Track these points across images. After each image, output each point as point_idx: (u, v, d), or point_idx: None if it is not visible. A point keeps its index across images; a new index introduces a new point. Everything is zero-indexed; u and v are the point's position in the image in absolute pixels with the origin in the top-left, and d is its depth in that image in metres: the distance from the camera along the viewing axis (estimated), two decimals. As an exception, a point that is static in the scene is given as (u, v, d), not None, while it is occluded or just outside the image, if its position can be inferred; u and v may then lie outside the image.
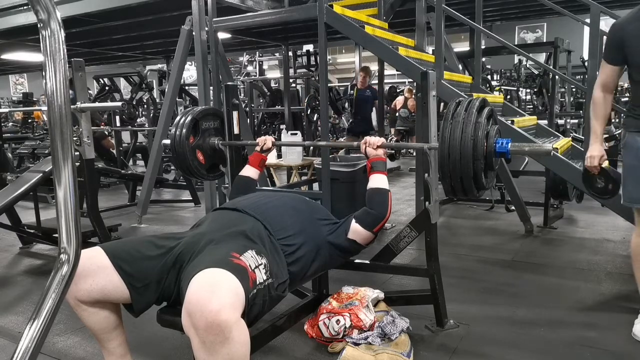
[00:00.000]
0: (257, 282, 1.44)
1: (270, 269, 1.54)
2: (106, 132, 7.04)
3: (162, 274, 1.55)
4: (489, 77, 8.83)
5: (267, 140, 2.37)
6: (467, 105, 1.81)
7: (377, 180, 2.05)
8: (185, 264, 1.53)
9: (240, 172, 2.38)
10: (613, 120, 7.46)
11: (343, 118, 10.25)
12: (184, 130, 2.32)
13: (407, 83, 11.30)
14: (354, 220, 1.99)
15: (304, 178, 4.93)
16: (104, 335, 1.60)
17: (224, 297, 1.26)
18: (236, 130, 2.53)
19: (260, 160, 2.38)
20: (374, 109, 6.34)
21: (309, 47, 8.57)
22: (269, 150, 2.39)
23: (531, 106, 9.23)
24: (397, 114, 9.37)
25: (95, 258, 1.51)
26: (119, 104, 3.19)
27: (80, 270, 1.43)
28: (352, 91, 7.02)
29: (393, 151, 7.91)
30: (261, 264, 1.51)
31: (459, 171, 1.75)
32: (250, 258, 1.49)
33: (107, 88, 7.49)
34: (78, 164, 2.94)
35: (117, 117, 6.96)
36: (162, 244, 1.61)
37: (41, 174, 3.18)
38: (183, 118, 2.36)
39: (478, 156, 1.73)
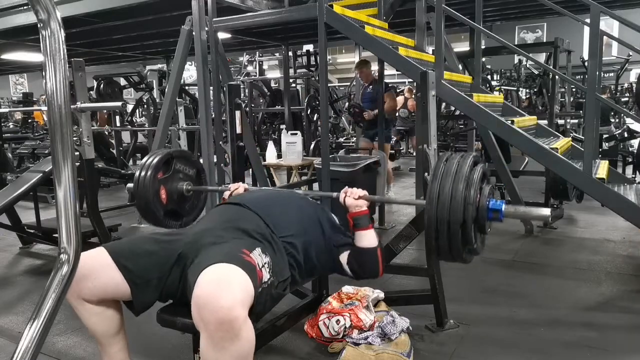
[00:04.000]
0: (263, 281, 1.46)
1: (272, 268, 1.55)
2: (106, 132, 7.06)
3: (164, 271, 1.55)
4: (489, 77, 8.83)
5: (239, 186, 2.11)
6: (462, 154, 1.67)
7: (364, 238, 1.82)
8: (189, 260, 1.53)
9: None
10: (613, 121, 7.46)
11: (343, 118, 10.26)
12: (151, 170, 2.06)
13: (407, 83, 11.29)
14: (345, 259, 1.83)
15: (304, 178, 4.93)
16: (106, 338, 1.60)
17: (236, 293, 1.27)
18: (238, 130, 2.53)
19: None
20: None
21: (309, 47, 8.56)
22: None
23: (526, 104, 9.20)
24: (396, 114, 9.36)
25: (98, 257, 1.52)
26: (119, 104, 3.18)
27: (84, 270, 1.45)
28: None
29: (393, 151, 7.91)
30: (266, 262, 1.53)
31: (447, 216, 1.54)
32: (258, 256, 1.50)
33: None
34: (78, 164, 2.94)
35: (117, 117, 6.98)
36: (164, 239, 1.63)
37: (41, 174, 3.18)
38: (154, 157, 2.14)
39: (470, 200, 1.54)
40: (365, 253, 1.82)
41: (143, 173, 2.06)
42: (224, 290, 1.27)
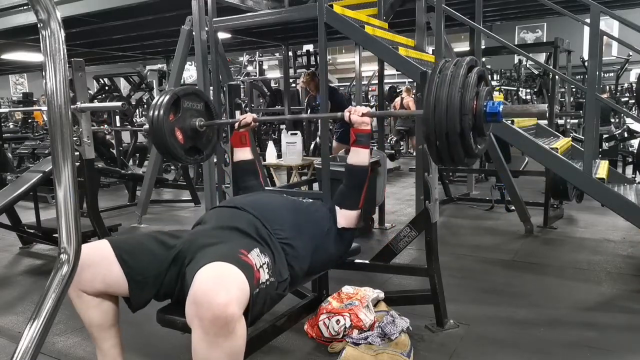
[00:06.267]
0: (261, 282, 1.46)
1: (272, 268, 1.55)
2: (105, 132, 7.06)
3: (161, 269, 1.56)
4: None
5: (247, 116, 2.27)
6: (456, 62, 1.67)
7: (359, 155, 1.98)
8: (187, 259, 1.53)
9: (234, 159, 2.33)
10: (613, 120, 7.45)
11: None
12: (162, 109, 2.11)
13: (407, 83, 11.30)
14: (338, 208, 1.99)
15: (304, 178, 4.93)
16: (100, 332, 1.59)
17: (232, 291, 1.28)
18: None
19: (239, 137, 2.29)
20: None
21: (309, 47, 8.57)
22: (247, 125, 2.26)
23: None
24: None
25: (100, 249, 1.54)
26: (119, 104, 3.18)
27: (85, 261, 1.46)
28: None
29: (393, 151, 7.91)
30: (265, 262, 1.53)
31: (445, 127, 1.57)
32: (256, 257, 1.50)
33: (106, 88, 7.49)
34: (78, 164, 2.94)
35: (117, 117, 6.98)
36: (164, 239, 1.63)
37: (41, 174, 3.18)
38: (162, 97, 2.19)
39: (466, 110, 1.55)
40: (356, 169, 1.98)
41: (156, 112, 2.09)
42: (220, 287, 1.27)
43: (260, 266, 1.49)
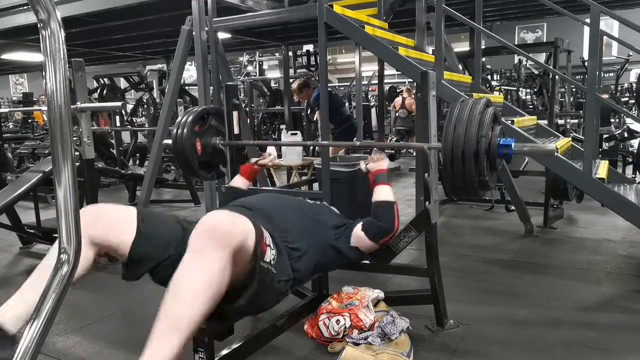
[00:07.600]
0: (266, 257, 1.47)
1: (277, 260, 1.56)
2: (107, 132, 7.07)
3: (171, 245, 1.58)
4: (489, 77, 8.83)
5: (271, 157, 2.44)
6: (471, 105, 1.81)
7: (382, 193, 2.05)
8: None
9: (230, 182, 2.41)
10: (613, 120, 7.45)
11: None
12: (187, 128, 2.28)
13: (407, 83, 11.29)
14: (360, 227, 1.98)
15: (304, 178, 4.93)
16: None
17: (238, 226, 1.34)
18: (236, 130, 2.53)
19: (251, 171, 2.40)
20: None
21: (309, 47, 8.57)
22: (264, 165, 2.45)
23: (531, 106, 9.23)
24: (396, 114, 9.37)
25: (126, 210, 1.59)
26: (119, 103, 3.19)
27: (109, 212, 1.53)
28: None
29: (393, 151, 7.91)
30: (273, 246, 1.55)
31: (462, 170, 1.73)
32: (268, 236, 1.53)
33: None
34: (78, 164, 2.94)
35: (117, 117, 6.98)
36: (184, 225, 1.66)
37: (41, 174, 3.18)
38: (187, 116, 2.34)
39: (483, 133, 1.72)
40: (383, 206, 2.03)
41: (180, 131, 2.26)
42: (228, 219, 1.33)
43: (269, 245, 1.50)
